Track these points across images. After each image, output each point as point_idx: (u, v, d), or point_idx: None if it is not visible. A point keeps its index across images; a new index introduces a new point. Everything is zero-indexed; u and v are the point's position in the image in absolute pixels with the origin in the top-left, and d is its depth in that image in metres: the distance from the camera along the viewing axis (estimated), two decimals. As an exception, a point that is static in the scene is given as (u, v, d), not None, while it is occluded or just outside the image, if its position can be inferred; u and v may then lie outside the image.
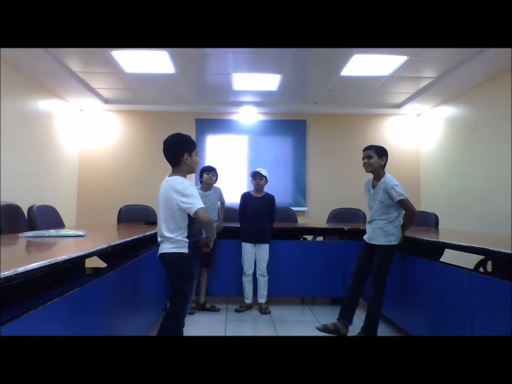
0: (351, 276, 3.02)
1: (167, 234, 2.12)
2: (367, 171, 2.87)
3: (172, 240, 2.12)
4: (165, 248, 2.14)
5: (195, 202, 2.03)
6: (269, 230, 3.72)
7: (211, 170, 3.67)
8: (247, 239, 3.69)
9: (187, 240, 2.13)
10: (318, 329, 3.01)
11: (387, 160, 2.84)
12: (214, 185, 3.73)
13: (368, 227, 2.94)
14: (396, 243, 2.77)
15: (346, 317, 2.95)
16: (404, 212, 2.79)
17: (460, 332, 2.24)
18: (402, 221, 2.80)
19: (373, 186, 2.87)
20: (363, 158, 2.85)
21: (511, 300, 1.82)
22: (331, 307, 3.93)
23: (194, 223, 2.14)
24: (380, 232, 2.80)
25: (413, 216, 2.75)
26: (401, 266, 3.02)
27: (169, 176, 2.19)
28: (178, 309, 2.18)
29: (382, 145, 2.93)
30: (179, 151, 2.15)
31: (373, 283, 2.80)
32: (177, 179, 2.12)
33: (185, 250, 2.12)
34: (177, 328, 2.21)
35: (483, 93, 4.50)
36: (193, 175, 3.90)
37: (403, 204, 2.71)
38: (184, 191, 2.05)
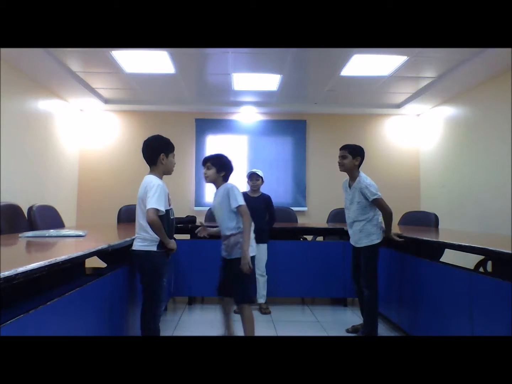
0: (351, 279, 3.09)
1: (139, 231, 2.20)
2: (340, 171, 2.91)
3: (142, 237, 2.19)
4: (135, 245, 2.22)
5: (151, 201, 2.09)
6: (267, 230, 3.71)
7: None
8: None
9: (156, 237, 2.16)
10: (348, 331, 3.10)
11: (362, 159, 2.87)
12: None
13: (349, 230, 2.97)
14: (378, 241, 2.80)
15: None
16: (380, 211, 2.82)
17: (460, 332, 2.24)
18: (380, 220, 2.83)
19: (350, 187, 2.90)
20: (338, 158, 2.88)
21: (511, 300, 1.82)
22: (331, 307, 3.93)
23: (165, 221, 2.17)
24: (361, 234, 2.83)
25: (388, 215, 2.77)
26: (401, 266, 3.02)
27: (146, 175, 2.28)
28: (152, 307, 2.22)
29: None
30: (156, 151, 2.23)
31: (365, 285, 2.83)
32: (149, 178, 2.21)
33: (153, 248, 2.17)
34: (153, 326, 2.22)
35: (483, 93, 4.49)
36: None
37: (377, 203, 2.74)
38: (149, 189, 2.13)
